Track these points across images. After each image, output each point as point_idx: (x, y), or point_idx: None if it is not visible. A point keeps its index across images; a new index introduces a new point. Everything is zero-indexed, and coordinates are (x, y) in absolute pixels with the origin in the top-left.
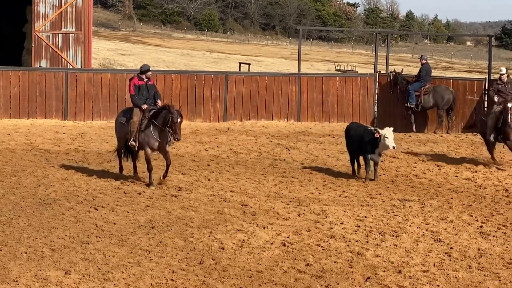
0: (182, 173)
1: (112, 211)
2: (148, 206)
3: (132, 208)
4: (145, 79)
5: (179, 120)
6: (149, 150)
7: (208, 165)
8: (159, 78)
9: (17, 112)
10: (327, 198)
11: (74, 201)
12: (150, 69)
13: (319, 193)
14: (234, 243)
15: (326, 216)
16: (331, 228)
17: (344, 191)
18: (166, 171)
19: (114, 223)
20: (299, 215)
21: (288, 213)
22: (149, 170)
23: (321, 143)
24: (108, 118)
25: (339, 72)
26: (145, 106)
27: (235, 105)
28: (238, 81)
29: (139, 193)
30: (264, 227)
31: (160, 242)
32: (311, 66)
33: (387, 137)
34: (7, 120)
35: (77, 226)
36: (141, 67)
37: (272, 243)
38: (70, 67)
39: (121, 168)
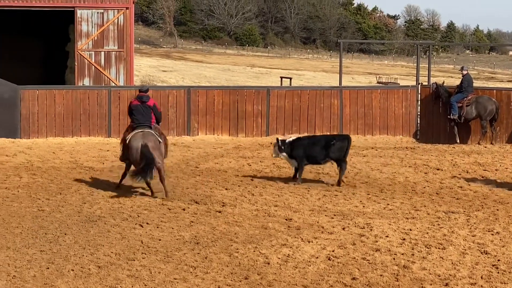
0: (226, 188)
1: (157, 227)
2: (192, 222)
3: (177, 224)
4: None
5: None
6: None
7: (252, 180)
8: (201, 94)
9: (62, 130)
10: (372, 211)
11: (119, 218)
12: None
13: (363, 206)
14: (279, 258)
15: (371, 230)
16: (376, 242)
17: (388, 204)
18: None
19: (159, 240)
20: (343, 228)
21: (333, 227)
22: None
23: (364, 156)
24: None
25: (381, 85)
26: None
27: (277, 119)
28: (280, 96)
29: (183, 209)
30: (309, 241)
31: (206, 258)
32: (352, 79)
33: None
34: (52, 139)
35: (122, 243)
36: (141, 89)
37: (317, 257)
38: (113, 84)
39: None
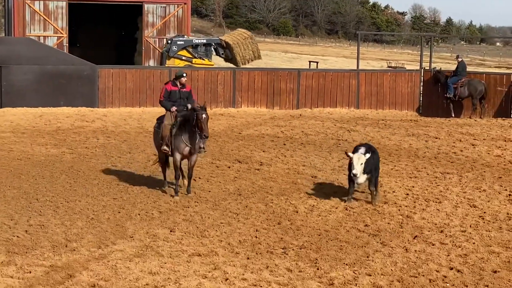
0: (263, 151)
1: (207, 181)
2: (236, 177)
3: (223, 179)
4: (179, 85)
5: (204, 116)
6: (178, 156)
7: (284, 144)
8: (244, 74)
9: (131, 102)
10: (381, 171)
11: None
12: (185, 75)
13: None
14: (306, 208)
15: (380, 186)
16: (385, 196)
17: (395, 166)
18: (189, 183)
19: (209, 191)
20: None
21: None
22: (176, 177)
23: (376, 126)
24: None
25: (391, 69)
26: (174, 108)
27: (305, 95)
28: (308, 76)
29: (229, 167)
30: (330, 195)
31: (246, 207)
32: (367, 64)
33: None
34: (123, 108)
35: (180, 193)
36: (176, 73)
37: (336, 208)
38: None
39: (165, 178)
